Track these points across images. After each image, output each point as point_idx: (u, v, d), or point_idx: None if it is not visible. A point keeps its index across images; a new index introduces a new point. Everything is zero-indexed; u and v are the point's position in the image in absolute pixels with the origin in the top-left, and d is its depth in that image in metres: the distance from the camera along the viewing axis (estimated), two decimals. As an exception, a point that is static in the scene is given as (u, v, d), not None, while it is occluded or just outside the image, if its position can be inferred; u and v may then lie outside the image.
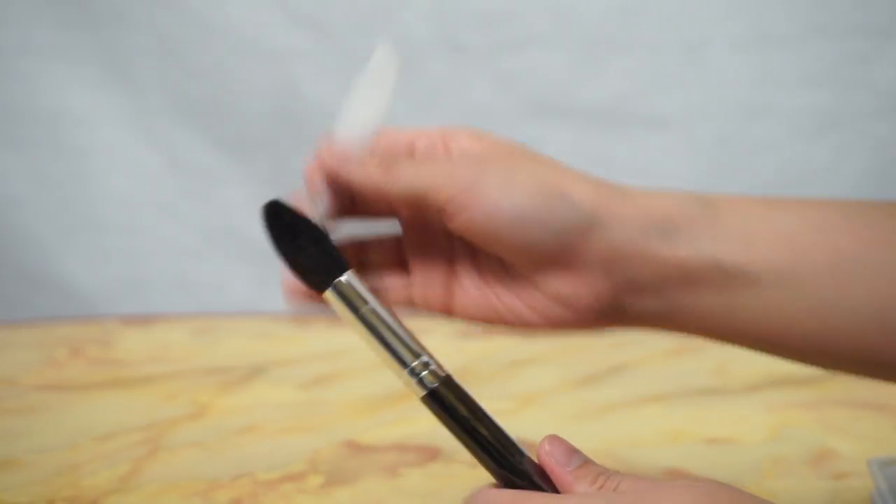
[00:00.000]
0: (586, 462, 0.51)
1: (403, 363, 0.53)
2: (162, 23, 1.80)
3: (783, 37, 1.69)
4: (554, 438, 0.52)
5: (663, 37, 1.72)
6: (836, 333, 0.54)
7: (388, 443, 0.81)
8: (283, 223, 0.57)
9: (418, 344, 0.53)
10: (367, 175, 0.55)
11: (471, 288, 0.57)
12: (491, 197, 0.54)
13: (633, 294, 0.55)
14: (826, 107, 1.70)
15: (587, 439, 0.76)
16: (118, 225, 1.87)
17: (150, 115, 1.84)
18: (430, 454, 0.78)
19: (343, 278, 0.53)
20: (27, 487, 0.73)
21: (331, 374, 0.96)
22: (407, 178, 0.55)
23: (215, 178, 1.84)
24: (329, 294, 0.54)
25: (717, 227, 0.55)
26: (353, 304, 0.53)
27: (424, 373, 0.53)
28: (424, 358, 0.53)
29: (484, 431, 0.52)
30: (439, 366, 0.53)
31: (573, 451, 0.51)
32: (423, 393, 0.52)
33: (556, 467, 0.51)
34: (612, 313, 0.55)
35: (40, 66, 1.83)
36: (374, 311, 0.53)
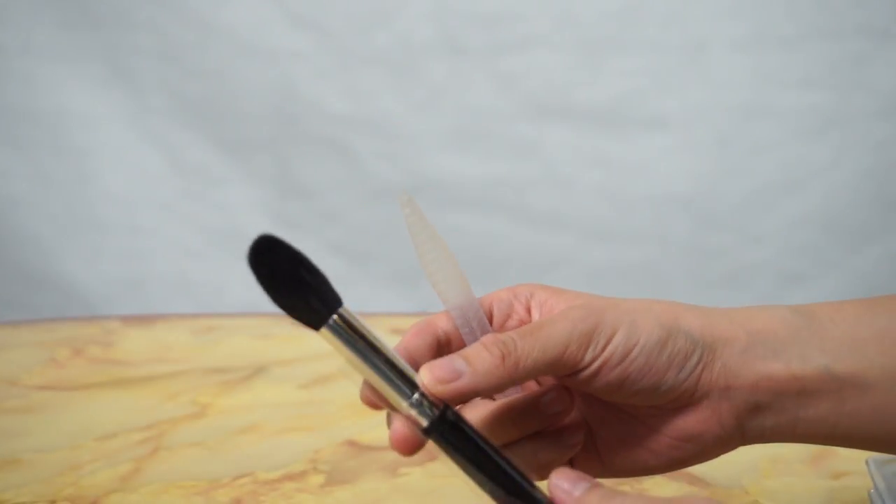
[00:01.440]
0: (594, 486, 0.51)
1: (405, 394, 0.51)
2: (162, 24, 1.80)
3: (783, 37, 1.69)
4: (561, 470, 0.52)
5: (663, 37, 1.72)
6: None
7: (388, 443, 0.81)
8: (272, 262, 0.54)
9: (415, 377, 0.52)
10: (493, 375, 0.52)
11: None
12: (620, 344, 0.53)
13: (754, 415, 0.55)
14: (826, 107, 1.70)
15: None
16: (119, 225, 1.87)
17: (150, 115, 1.84)
18: (431, 454, 0.78)
19: (336, 316, 0.52)
20: (28, 487, 0.74)
21: (331, 374, 0.96)
22: (531, 357, 0.52)
23: (215, 179, 1.84)
24: (325, 332, 0.52)
25: (822, 336, 0.56)
26: (349, 339, 0.51)
27: (425, 402, 0.51)
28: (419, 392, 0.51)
29: (494, 457, 0.51)
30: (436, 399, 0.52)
31: (580, 478, 0.51)
32: (426, 423, 0.51)
33: (563, 495, 0.50)
34: (734, 438, 0.56)
35: (41, 66, 1.83)
36: (371, 346, 0.51)
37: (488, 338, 0.52)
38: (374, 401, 0.52)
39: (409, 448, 0.52)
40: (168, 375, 0.97)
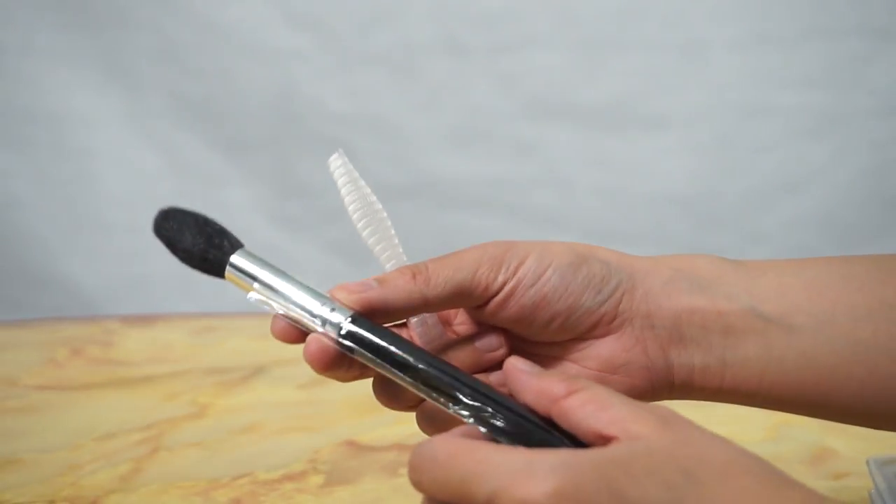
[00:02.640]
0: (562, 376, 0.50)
1: (313, 313, 0.52)
2: (163, 24, 1.80)
3: (782, 37, 1.69)
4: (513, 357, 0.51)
5: (663, 37, 1.72)
6: (881, 377, 0.54)
7: (388, 443, 0.81)
8: (173, 225, 0.58)
9: (320, 293, 0.53)
10: (402, 289, 0.53)
11: None
12: (532, 267, 0.53)
13: (680, 348, 0.55)
14: (825, 107, 1.70)
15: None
16: (119, 225, 1.87)
17: (151, 115, 1.84)
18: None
19: (233, 259, 0.56)
20: (28, 487, 0.74)
21: (331, 374, 0.96)
22: (441, 276, 0.53)
23: (215, 179, 1.84)
24: (229, 274, 0.56)
25: (750, 281, 0.55)
26: (254, 273, 0.55)
27: (335, 312, 0.51)
28: (331, 303, 0.52)
29: (414, 348, 0.51)
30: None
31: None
32: (343, 329, 0.51)
33: (522, 375, 0.48)
34: (662, 375, 0.55)
35: (42, 67, 1.83)
36: (277, 275, 0.54)
37: (403, 266, 0.54)
38: (288, 329, 0.53)
39: (324, 361, 0.52)
40: (168, 375, 0.97)
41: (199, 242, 0.54)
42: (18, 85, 1.84)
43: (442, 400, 0.50)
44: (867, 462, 0.67)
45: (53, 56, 1.83)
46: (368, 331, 0.51)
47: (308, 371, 0.99)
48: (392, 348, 0.51)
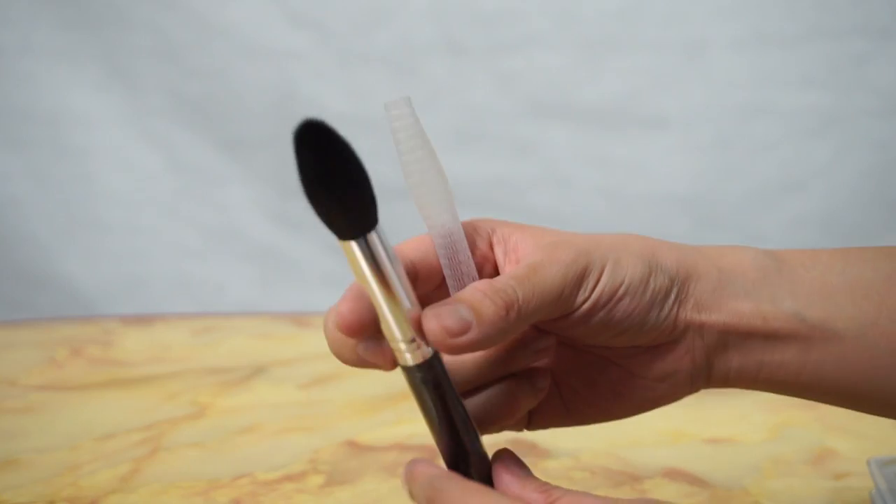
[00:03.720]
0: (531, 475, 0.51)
1: (403, 330, 0.49)
2: (162, 23, 1.80)
3: (783, 37, 1.69)
4: (506, 449, 0.52)
5: (663, 37, 1.72)
6: None
7: (388, 443, 0.81)
8: (324, 157, 0.49)
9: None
10: (496, 326, 0.49)
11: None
12: (607, 284, 0.52)
13: (722, 354, 0.55)
14: (826, 107, 1.70)
15: (588, 439, 0.76)
16: (118, 225, 1.87)
17: (150, 115, 1.84)
18: (431, 454, 0.78)
19: (371, 235, 0.49)
20: (28, 487, 0.73)
21: (331, 374, 0.96)
22: (531, 306, 0.50)
23: (215, 178, 1.84)
24: (351, 245, 0.49)
25: (793, 280, 0.55)
26: (373, 261, 0.48)
27: (418, 349, 0.49)
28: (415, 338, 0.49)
29: (460, 410, 0.50)
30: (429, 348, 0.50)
31: (526, 474, 0.51)
32: (413, 363, 0.49)
33: (508, 474, 0.50)
34: (701, 377, 0.55)
35: (41, 66, 1.83)
36: (389, 275, 0.48)
37: (485, 285, 0.50)
38: (353, 325, 0.49)
39: (356, 330, 0.49)
40: (167, 376, 0.97)
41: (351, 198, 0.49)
42: (17, 84, 1.84)
43: (453, 446, 0.51)
44: (868, 462, 0.67)
45: (52, 55, 1.83)
46: (432, 383, 0.50)
47: (308, 371, 0.99)
48: (439, 407, 0.51)
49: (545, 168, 1.78)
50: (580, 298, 0.52)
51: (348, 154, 0.49)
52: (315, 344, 1.06)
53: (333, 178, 0.48)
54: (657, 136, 1.75)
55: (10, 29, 1.83)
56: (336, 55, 1.79)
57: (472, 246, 0.54)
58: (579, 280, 0.52)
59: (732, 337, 0.54)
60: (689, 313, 0.54)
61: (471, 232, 0.54)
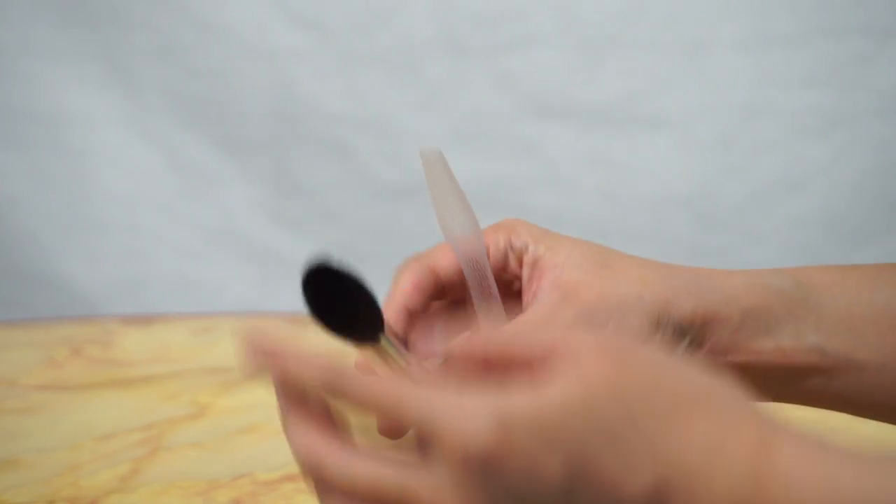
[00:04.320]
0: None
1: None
2: (162, 23, 1.80)
3: (784, 37, 1.69)
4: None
5: (663, 37, 1.72)
6: None
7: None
8: (326, 286, 0.51)
9: None
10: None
11: None
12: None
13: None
14: (826, 107, 1.70)
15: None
16: (118, 225, 1.87)
17: (150, 115, 1.84)
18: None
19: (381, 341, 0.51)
20: (28, 487, 0.73)
21: (331, 374, 0.96)
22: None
23: (215, 178, 1.84)
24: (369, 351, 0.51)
25: (819, 313, 0.54)
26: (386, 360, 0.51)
27: None
28: None
29: None
30: None
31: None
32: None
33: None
34: None
35: (40, 66, 1.83)
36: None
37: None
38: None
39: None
40: (167, 375, 0.97)
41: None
42: (16, 84, 1.84)
43: None
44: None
45: (52, 55, 1.83)
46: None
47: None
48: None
49: (545, 168, 1.78)
50: None
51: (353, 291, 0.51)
52: (315, 344, 1.06)
53: (334, 313, 0.50)
54: (657, 136, 1.75)
55: (10, 28, 1.83)
56: (336, 55, 1.79)
57: (505, 262, 0.55)
58: None
59: (750, 376, 0.54)
60: (704, 356, 0.54)
61: (506, 248, 0.56)
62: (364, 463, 0.45)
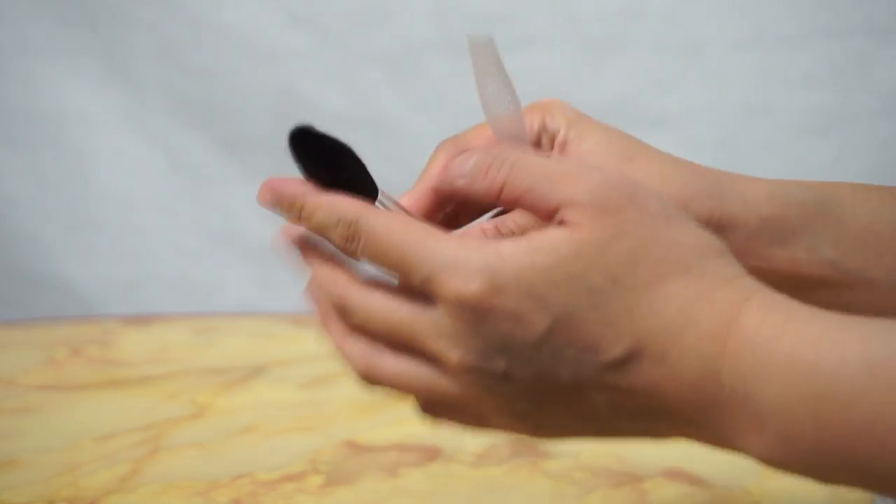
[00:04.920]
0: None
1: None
2: (162, 23, 1.80)
3: (784, 37, 1.69)
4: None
5: (663, 37, 1.72)
6: None
7: (388, 443, 0.81)
8: (314, 149, 0.55)
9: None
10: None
11: None
12: None
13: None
14: (827, 107, 1.70)
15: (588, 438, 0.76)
16: (118, 225, 1.87)
17: (149, 114, 1.84)
18: (430, 454, 0.78)
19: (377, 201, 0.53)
20: (27, 487, 0.73)
21: (331, 374, 0.96)
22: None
23: (215, 178, 1.84)
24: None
25: (838, 228, 0.54)
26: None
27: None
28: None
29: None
30: None
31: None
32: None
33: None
34: None
35: (39, 65, 1.83)
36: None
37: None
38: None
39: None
40: (167, 376, 0.97)
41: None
42: (16, 83, 1.84)
43: None
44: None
45: (51, 54, 1.83)
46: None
47: (308, 371, 0.99)
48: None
49: (545, 168, 1.78)
50: None
51: (338, 149, 0.55)
52: (315, 344, 1.06)
53: (333, 169, 0.54)
54: (657, 136, 1.74)
55: (9, 28, 1.83)
56: (336, 55, 1.79)
57: (537, 142, 0.57)
58: None
59: (760, 276, 0.52)
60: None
61: (539, 127, 0.59)
62: (380, 300, 0.48)
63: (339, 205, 0.50)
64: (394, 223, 0.48)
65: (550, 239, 0.45)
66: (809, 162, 1.71)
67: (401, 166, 1.83)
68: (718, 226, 0.54)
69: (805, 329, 0.44)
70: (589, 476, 0.73)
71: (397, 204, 0.52)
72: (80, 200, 1.87)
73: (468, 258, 0.45)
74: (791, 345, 0.43)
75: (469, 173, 0.49)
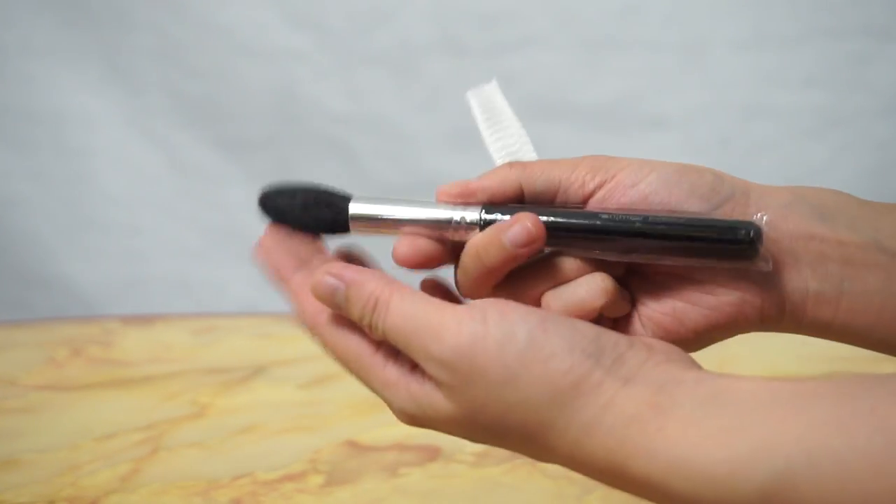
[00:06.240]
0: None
1: (448, 221, 0.53)
2: (162, 23, 1.80)
3: (783, 37, 1.69)
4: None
5: (663, 37, 1.72)
6: None
7: (388, 443, 0.81)
8: (281, 202, 0.55)
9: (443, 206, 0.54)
10: (498, 174, 0.55)
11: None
12: (634, 170, 0.53)
13: (794, 270, 0.52)
14: (826, 107, 1.70)
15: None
16: (118, 225, 1.87)
17: (150, 115, 1.84)
18: (430, 454, 0.78)
19: (351, 210, 0.55)
20: (28, 487, 0.73)
21: (331, 374, 0.96)
22: (540, 167, 0.55)
23: (215, 178, 1.84)
24: (353, 226, 0.55)
25: (876, 216, 0.53)
26: (376, 219, 0.55)
27: (464, 216, 0.53)
28: (459, 211, 0.53)
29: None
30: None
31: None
32: (481, 214, 0.53)
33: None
34: (774, 300, 0.52)
35: (41, 66, 1.83)
36: (394, 212, 0.54)
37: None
38: (416, 249, 0.54)
39: (426, 260, 0.54)
40: (167, 375, 0.97)
41: (317, 210, 0.55)
42: (17, 84, 1.84)
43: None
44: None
45: (53, 55, 1.83)
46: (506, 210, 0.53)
47: (308, 371, 0.99)
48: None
49: (545, 168, 1.78)
50: (599, 178, 0.53)
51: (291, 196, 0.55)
52: (315, 344, 1.06)
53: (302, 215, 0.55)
54: (657, 136, 1.75)
55: (11, 28, 1.83)
56: (336, 55, 1.79)
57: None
58: (598, 164, 0.54)
59: (804, 254, 0.52)
60: (750, 214, 0.52)
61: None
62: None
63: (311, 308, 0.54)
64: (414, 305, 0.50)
65: (431, 399, 0.49)
66: (808, 162, 1.71)
67: (400, 166, 1.84)
68: (746, 188, 0.52)
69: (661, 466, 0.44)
70: (588, 476, 0.73)
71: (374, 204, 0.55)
72: (80, 201, 1.87)
73: (398, 387, 0.50)
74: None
75: (347, 312, 0.52)
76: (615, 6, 1.72)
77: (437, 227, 0.53)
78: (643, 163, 0.53)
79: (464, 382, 0.47)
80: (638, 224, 0.51)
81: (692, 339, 0.53)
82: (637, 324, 0.53)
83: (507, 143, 0.58)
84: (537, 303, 0.53)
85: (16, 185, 1.86)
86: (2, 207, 1.86)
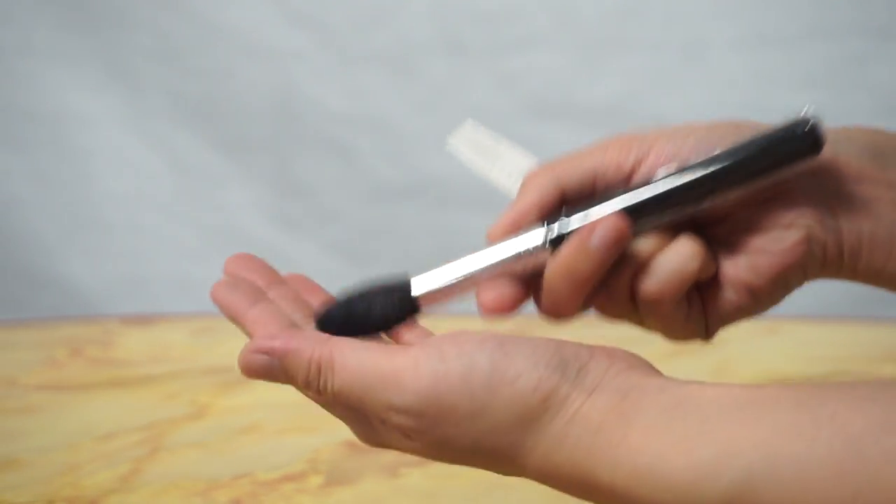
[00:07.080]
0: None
1: (516, 255, 0.52)
2: (163, 24, 1.80)
3: (782, 37, 1.69)
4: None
5: (663, 37, 1.72)
6: None
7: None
8: (347, 317, 0.53)
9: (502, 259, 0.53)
10: (536, 184, 0.56)
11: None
12: (669, 139, 0.53)
13: (846, 213, 0.52)
14: (825, 107, 1.69)
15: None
16: (119, 225, 1.87)
17: (150, 115, 1.84)
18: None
19: (413, 293, 0.53)
20: (28, 487, 0.73)
21: (331, 374, 0.96)
22: (572, 162, 0.56)
23: (215, 178, 1.84)
24: (424, 305, 0.53)
25: None
26: (444, 292, 0.53)
27: (528, 242, 0.53)
28: (522, 240, 0.53)
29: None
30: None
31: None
32: (556, 229, 0.52)
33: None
34: (832, 242, 0.52)
35: (42, 67, 1.83)
36: (460, 269, 0.53)
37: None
38: (509, 295, 0.52)
39: (514, 303, 0.52)
40: (167, 375, 0.97)
41: (382, 310, 0.53)
42: (18, 85, 1.84)
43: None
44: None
45: (53, 56, 1.83)
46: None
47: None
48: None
49: (545, 168, 1.78)
50: (633, 156, 0.54)
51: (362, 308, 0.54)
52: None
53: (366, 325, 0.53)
54: (657, 136, 1.75)
55: (11, 29, 1.83)
56: (336, 55, 1.79)
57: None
58: (628, 142, 0.55)
59: (857, 192, 0.52)
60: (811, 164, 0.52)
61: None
62: None
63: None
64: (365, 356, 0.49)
65: (399, 444, 0.48)
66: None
67: (400, 166, 1.84)
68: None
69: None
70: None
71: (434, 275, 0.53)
72: (81, 201, 1.87)
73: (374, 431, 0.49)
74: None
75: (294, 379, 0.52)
76: (616, 6, 1.72)
77: (507, 266, 0.52)
78: (675, 130, 0.53)
79: (432, 425, 0.46)
80: (700, 170, 0.51)
81: (768, 291, 0.52)
82: (723, 286, 0.53)
83: (509, 164, 0.58)
84: (631, 295, 0.52)
85: (16, 185, 1.86)
86: (2, 207, 1.86)
